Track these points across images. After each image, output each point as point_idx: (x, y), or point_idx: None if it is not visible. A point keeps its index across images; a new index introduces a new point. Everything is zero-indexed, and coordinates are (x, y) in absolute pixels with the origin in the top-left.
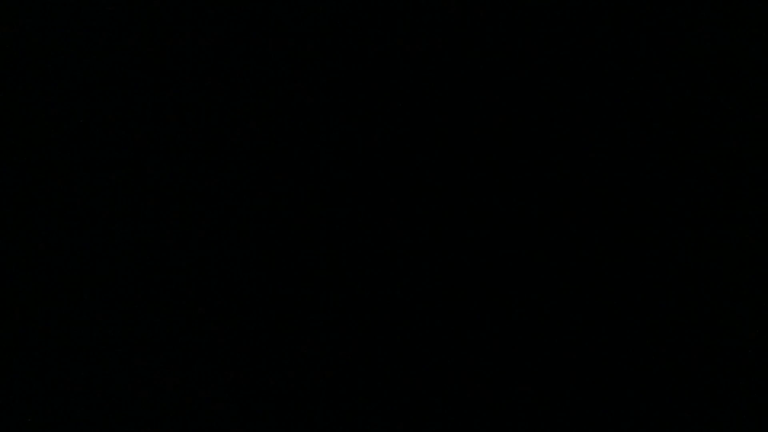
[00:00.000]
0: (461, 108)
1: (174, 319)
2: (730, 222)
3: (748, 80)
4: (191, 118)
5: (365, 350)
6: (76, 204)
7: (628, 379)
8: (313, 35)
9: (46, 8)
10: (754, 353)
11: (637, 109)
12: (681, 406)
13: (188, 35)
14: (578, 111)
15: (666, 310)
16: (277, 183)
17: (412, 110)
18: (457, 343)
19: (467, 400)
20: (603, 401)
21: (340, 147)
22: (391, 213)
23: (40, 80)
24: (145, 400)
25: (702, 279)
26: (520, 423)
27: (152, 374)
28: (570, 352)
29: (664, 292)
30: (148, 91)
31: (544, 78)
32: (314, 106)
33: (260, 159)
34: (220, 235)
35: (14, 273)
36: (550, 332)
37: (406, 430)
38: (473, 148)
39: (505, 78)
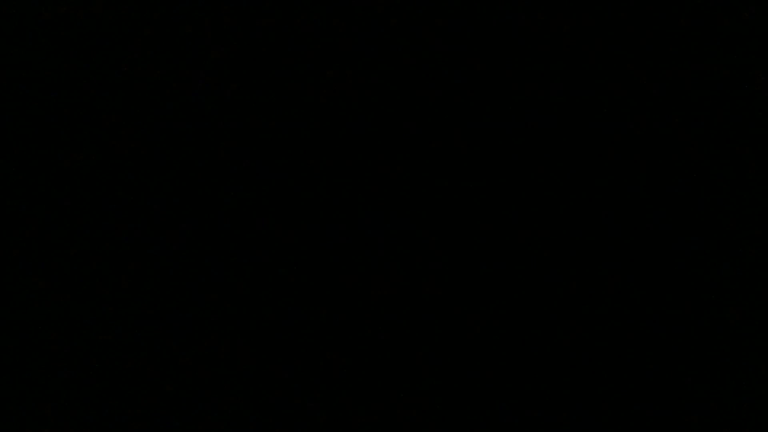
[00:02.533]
0: (461, 108)
1: (173, 320)
2: (730, 222)
3: (748, 80)
4: (191, 118)
5: (365, 350)
6: (77, 204)
7: (628, 379)
8: (314, 35)
9: (46, 8)
10: (754, 353)
11: (637, 110)
12: (681, 406)
13: (188, 35)
14: (578, 112)
15: (666, 310)
16: (277, 183)
17: (411, 110)
18: (457, 343)
19: (467, 400)
20: (603, 401)
21: (340, 147)
22: (391, 214)
23: (40, 80)
24: (145, 400)
25: (702, 279)
26: (520, 423)
27: (152, 374)
28: (570, 352)
29: (663, 292)
30: (148, 92)
31: (544, 78)
32: (314, 106)
33: (260, 159)
34: (220, 235)
35: (14, 273)
36: (550, 333)
37: (406, 430)
38: (473, 149)
39: (506, 78)
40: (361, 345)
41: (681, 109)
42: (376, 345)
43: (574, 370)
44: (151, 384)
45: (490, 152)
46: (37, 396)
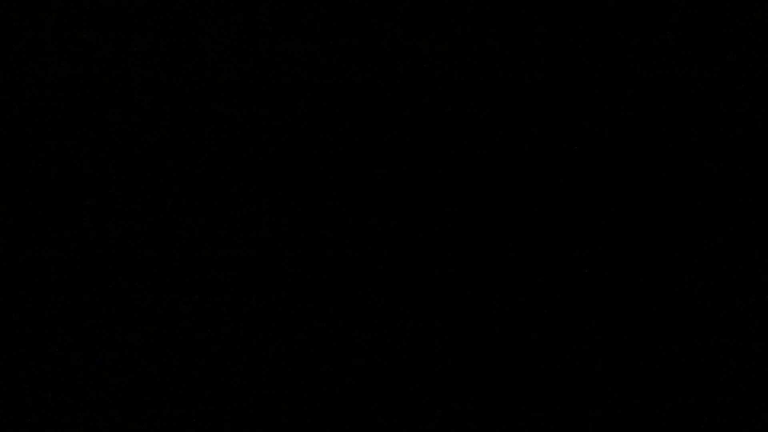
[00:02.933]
0: (461, 109)
1: (173, 320)
2: (730, 222)
3: (748, 80)
4: (191, 118)
5: (365, 351)
6: (77, 204)
7: (628, 380)
8: (313, 36)
9: (46, 8)
10: (754, 353)
11: (636, 110)
12: (681, 407)
13: (189, 36)
14: (578, 112)
15: (666, 310)
16: (278, 184)
17: (411, 111)
18: (457, 343)
19: (467, 400)
20: (603, 401)
21: (340, 148)
22: (391, 214)
23: (40, 80)
24: (145, 400)
25: (702, 279)
26: (520, 423)
27: (151, 374)
28: (570, 352)
29: (663, 292)
30: (148, 92)
31: (544, 79)
32: (314, 107)
33: (261, 159)
34: (220, 236)
35: (14, 273)
36: (550, 332)
37: (406, 430)
38: (474, 149)
39: (505, 78)
40: (360, 345)
41: (680, 108)
42: (376, 345)
43: (573, 370)
44: (151, 384)
45: (490, 152)
46: (37, 396)
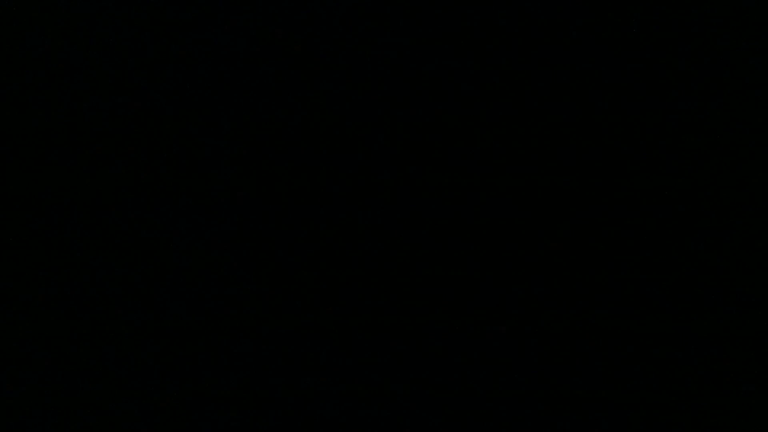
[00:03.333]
0: (461, 108)
1: (174, 320)
2: (730, 222)
3: (748, 80)
4: (191, 118)
5: (365, 351)
6: (77, 204)
7: (628, 379)
8: (313, 35)
9: (46, 8)
10: (754, 353)
11: (636, 110)
12: (681, 407)
13: (188, 35)
14: (578, 111)
15: (666, 310)
16: (277, 183)
17: (411, 111)
18: (456, 344)
19: (467, 400)
20: (603, 401)
21: (339, 147)
22: (391, 214)
23: (40, 80)
24: (145, 401)
25: (701, 279)
26: (520, 423)
27: (152, 375)
28: (570, 352)
29: (663, 292)
30: (149, 92)
31: (543, 78)
32: (313, 106)
33: (260, 159)
34: (220, 236)
35: (14, 273)
36: (550, 332)
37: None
38: (473, 149)
39: (505, 78)
40: (359, 345)
41: (680, 108)
42: (375, 345)
43: (573, 370)
44: (152, 384)
45: (489, 152)
46: (37, 396)
